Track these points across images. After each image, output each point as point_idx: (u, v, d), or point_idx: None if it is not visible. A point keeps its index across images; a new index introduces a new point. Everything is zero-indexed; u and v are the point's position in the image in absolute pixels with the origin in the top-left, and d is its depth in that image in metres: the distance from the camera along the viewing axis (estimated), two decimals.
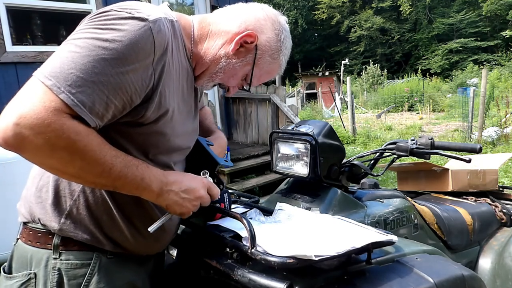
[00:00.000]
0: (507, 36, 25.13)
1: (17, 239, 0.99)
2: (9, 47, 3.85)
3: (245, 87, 1.10)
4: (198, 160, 1.14)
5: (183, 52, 0.99)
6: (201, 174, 1.03)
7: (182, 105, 1.02)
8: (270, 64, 1.06)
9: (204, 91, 1.90)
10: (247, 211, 1.21)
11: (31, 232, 0.95)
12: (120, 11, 0.84)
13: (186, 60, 1.01)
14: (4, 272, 0.97)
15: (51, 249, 0.92)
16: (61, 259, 0.92)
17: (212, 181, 1.02)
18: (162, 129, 0.94)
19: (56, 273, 0.91)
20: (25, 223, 0.97)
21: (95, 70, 0.78)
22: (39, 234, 0.94)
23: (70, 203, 0.93)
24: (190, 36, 1.02)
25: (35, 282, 0.91)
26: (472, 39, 27.93)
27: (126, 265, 0.99)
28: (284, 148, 1.37)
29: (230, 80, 1.06)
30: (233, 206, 1.26)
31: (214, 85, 1.09)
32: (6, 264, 0.98)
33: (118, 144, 0.88)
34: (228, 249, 0.99)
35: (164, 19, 0.89)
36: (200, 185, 0.96)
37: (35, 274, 0.92)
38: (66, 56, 0.78)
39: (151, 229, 0.93)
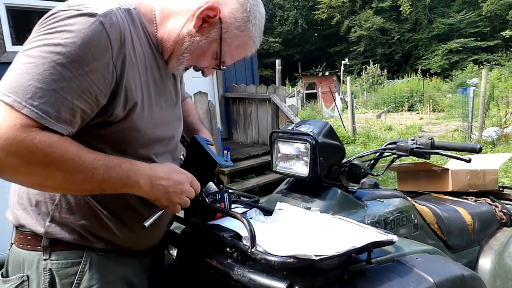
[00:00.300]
0: (507, 36, 25.13)
1: (11, 243, 1.00)
2: (9, 47, 3.86)
3: (221, 67, 1.04)
4: (198, 160, 1.14)
5: (146, 40, 0.95)
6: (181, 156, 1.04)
7: (155, 95, 0.98)
8: (239, 37, 0.98)
9: (203, 92, 1.88)
10: (247, 211, 1.21)
11: (21, 236, 0.96)
12: (67, 10, 0.81)
13: (153, 47, 0.97)
14: (2, 276, 0.98)
15: (41, 251, 0.93)
16: (51, 260, 0.92)
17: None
18: (135, 124, 0.92)
19: (48, 273, 0.91)
20: (16, 228, 0.98)
21: (53, 78, 0.75)
22: (29, 237, 0.94)
23: (52, 207, 0.93)
24: (153, 21, 0.97)
25: (28, 284, 0.92)
26: (472, 39, 27.93)
27: (119, 261, 0.99)
28: (284, 148, 1.37)
29: (200, 60, 1.00)
30: (233, 206, 1.26)
31: (186, 68, 1.04)
32: (4, 268, 1.00)
33: (93, 146, 0.86)
34: (228, 249, 0.99)
35: (116, 10, 0.86)
36: (185, 179, 0.97)
37: (27, 276, 0.93)
38: (21, 69, 0.76)
39: (146, 224, 0.94)
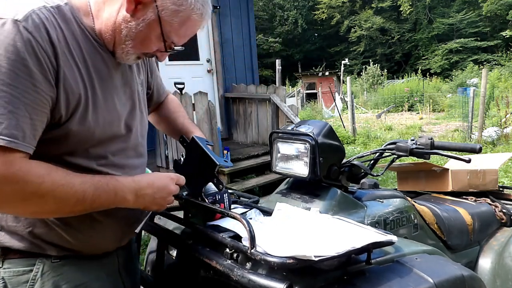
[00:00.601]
0: (507, 36, 25.14)
1: None
2: None
3: (173, 48, 0.98)
4: (197, 160, 1.14)
5: (83, 34, 0.91)
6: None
7: (102, 91, 0.95)
8: (179, 13, 0.91)
9: (203, 90, 1.87)
10: (247, 211, 1.21)
11: None
12: None
13: (92, 41, 0.93)
14: None
15: None
16: (4, 268, 0.92)
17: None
18: (81, 124, 0.89)
19: (1, 282, 0.91)
20: None
21: (5, 100, 0.75)
22: None
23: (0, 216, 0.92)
24: (88, 12, 0.93)
25: None
26: (472, 39, 27.93)
27: (77, 268, 0.97)
28: (284, 148, 1.37)
29: (145, 45, 0.95)
30: (233, 206, 1.26)
31: (138, 57, 0.99)
32: None
33: (43, 151, 0.85)
34: (228, 250, 0.99)
35: (39, 10, 0.82)
36: (169, 181, 1.01)
37: None
38: None
39: (137, 230, 0.98)
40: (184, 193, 1.19)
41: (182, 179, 1.05)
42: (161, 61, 1.04)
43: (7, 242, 0.92)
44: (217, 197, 1.16)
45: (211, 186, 1.15)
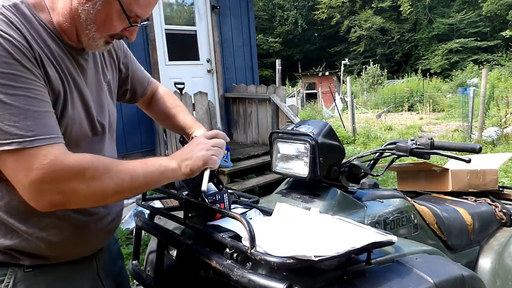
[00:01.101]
0: (507, 36, 25.15)
1: None
2: None
3: (138, 23, 0.93)
4: None
5: (45, 32, 0.88)
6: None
7: (76, 88, 0.94)
8: None
9: (208, 92, 1.86)
10: (247, 211, 1.21)
11: None
12: None
13: (55, 37, 0.90)
14: None
15: None
16: None
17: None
18: (60, 121, 0.88)
19: None
20: None
21: (21, 103, 0.77)
22: None
23: None
24: (44, 7, 0.89)
25: None
26: (472, 39, 27.93)
27: (50, 276, 0.95)
28: (284, 148, 1.37)
29: (109, 26, 0.90)
30: (233, 206, 1.26)
31: (107, 42, 0.95)
32: None
33: None
34: (227, 250, 0.99)
35: (1, 10, 0.80)
36: (202, 139, 1.03)
37: None
38: None
39: (204, 188, 0.99)
40: (184, 193, 1.19)
41: (221, 133, 1.06)
42: (131, 41, 0.97)
43: None
44: (217, 197, 1.16)
45: (211, 186, 1.15)
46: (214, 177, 1.10)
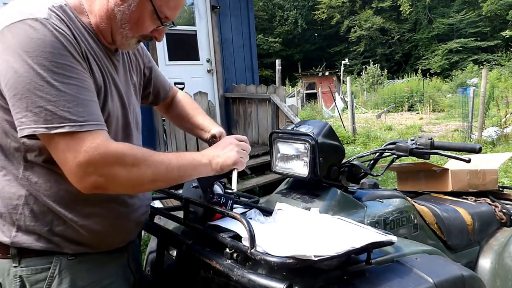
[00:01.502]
0: (507, 36, 25.14)
1: None
2: None
3: (167, 24, 1.02)
4: None
5: (86, 32, 0.95)
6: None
7: (114, 85, 1.02)
8: None
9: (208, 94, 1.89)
10: (247, 211, 1.21)
11: None
12: (17, 22, 0.82)
13: (94, 37, 0.98)
14: None
15: (11, 259, 0.95)
16: (21, 267, 0.94)
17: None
18: (102, 113, 0.94)
19: (18, 280, 0.93)
20: None
21: (73, 92, 0.84)
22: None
23: (16, 217, 0.93)
24: (83, 10, 0.97)
25: None
26: (472, 39, 27.92)
27: (92, 265, 1.00)
28: (284, 148, 1.37)
29: (141, 26, 0.98)
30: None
31: (138, 41, 1.04)
32: None
33: None
34: (227, 250, 0.99)
35: (52, 8, 0.87)
36: (232, 139, 1.11)
37: (0, 283, 0.96)
38: (40, 96, 0.81)
39: (233, 186, 1.06)
40: (194, 184, 1.21)
41: (244, 137, 1.15)
42: (159, 41, 1.07)
43: (24, 242, 0.93)
44: (222, 199, 1.16)
45: (217, 189, 1.17)
46: (230, 174, 1.12)
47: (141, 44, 1.16)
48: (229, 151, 1.06)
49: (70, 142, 0.82)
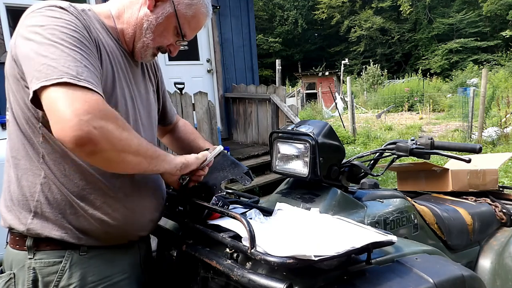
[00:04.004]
0: (507, 36, 25.12)
1: (6, 243, 1.05)
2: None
3: (182, 43, 1.13)
4: (226, 165, 1.23)
5: (104, 31, 1.04)
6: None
7: (124, 81, 1.08)
8: (191, 6, 1.08)
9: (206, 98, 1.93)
10: (247, 211, 1.21)
11: (12, 237, 1.02)
12: (45, 7, 0.93)
13: (114, 40, 1.07)
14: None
15: (26, 251, 0.98)
16: (35, 259, 0.97)
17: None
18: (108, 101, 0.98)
19: (32, 272, 0.97)
20: (9, 229, 1.03)
21: (78, 57, 0.87)
22: (17, 238, 1.00)
23: (33, 204, 0.97)
24: (109, 15, 1.08)
25: (14, 281, 0.99)
26: (472, 39, 27.89)
27: (101, 261, 1.02)
28: (284, 148, 1.37)
29: (162, 38, 1.09)
30: (232, 206, 1.26)
31: (154, 54, 1.13)
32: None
33: None
34: (228, 249, 0.99)
35: (70, 3, 0.97)
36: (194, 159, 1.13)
37: (14, 274, 0.99)
38: (56, 55, 0.86)
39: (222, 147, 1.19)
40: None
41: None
42: (173, 55, 1.17)
43: (39, 229, 0.96)
44: (219, 203, 1.17)
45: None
46: (239, 175, 1.21)
47: (158, 63, 1.28)
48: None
49: (69, 92, 0.82)
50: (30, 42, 0.87)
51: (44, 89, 0.82)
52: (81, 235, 0.99)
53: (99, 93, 0.86)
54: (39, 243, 0.98)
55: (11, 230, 1.01)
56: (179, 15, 1.07)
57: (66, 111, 0.80)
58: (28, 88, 0.87)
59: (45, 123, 0.91)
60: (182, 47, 1.15)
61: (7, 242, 1.05)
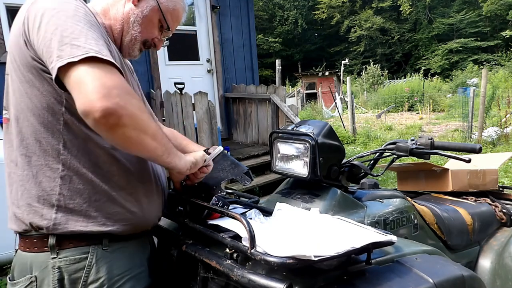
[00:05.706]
0: (507, 36, 25.12)
1: (16, 249, 1.04)
2: None
3: (166, 37, 1.20)
4: (226, 165, 1.19)
5: (103, 27, 1.07)
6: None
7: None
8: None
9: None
10: (246, 211, 1.21)
11: (27, 240, 1.00)
12: None
13: (106, 35, 1.08)
14: (10, 280, 1.03)
15: (48, 251, 0.97)
16: (59, 258, 0.96)
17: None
18: None
19: (57, 271, 0.96)
20: (21, 234, 1.01)
21: (93, 36, 0.90)
22: (35, 240, 0.98)
23: (56, 197, 0.96)
24: (96, 13, 1.10)
25: (36, 284, 0.96)
26: (472, 39, 27.89)
27: (122, 254, 1.04)
28: (284, 148, 1.37)
29: (149, 31, 1.15)
30: (232, 206, 1.26)
31: (140, 50, 1.17)
32: (10, 274, 1.05)
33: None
34: (228, 250, 0.99)
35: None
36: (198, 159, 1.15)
37: (35, 277, 0.97)
38: (79, 32, 0.90)
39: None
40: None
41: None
42: (158, 49, 1.22)
43: (65, 224, 0.96)
44: (219, 203, 1.17)
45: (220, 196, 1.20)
46: (239, 175, 1.21)
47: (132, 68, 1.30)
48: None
49: (95, 66, 0.84)
50: (47, 24, 0.88)
51: (70, 66, 0.83)
52: (107, 222, 0.99)
53: (121, 72, 0.89)
54: (62, 242, 0.97)
55: (25, 233, 0.99)
56: (162, 8, 1.13)
57: (96, 83, 0.82)
58: (46, 72, 0.90)
59: (69, 107, 0.93)
60: (165, 42, 1.22)
61: (16, 249, 1.03)
